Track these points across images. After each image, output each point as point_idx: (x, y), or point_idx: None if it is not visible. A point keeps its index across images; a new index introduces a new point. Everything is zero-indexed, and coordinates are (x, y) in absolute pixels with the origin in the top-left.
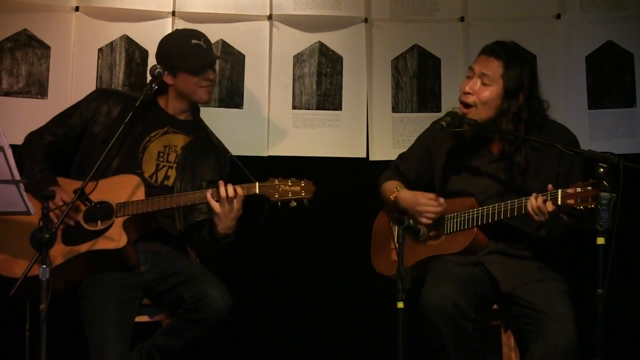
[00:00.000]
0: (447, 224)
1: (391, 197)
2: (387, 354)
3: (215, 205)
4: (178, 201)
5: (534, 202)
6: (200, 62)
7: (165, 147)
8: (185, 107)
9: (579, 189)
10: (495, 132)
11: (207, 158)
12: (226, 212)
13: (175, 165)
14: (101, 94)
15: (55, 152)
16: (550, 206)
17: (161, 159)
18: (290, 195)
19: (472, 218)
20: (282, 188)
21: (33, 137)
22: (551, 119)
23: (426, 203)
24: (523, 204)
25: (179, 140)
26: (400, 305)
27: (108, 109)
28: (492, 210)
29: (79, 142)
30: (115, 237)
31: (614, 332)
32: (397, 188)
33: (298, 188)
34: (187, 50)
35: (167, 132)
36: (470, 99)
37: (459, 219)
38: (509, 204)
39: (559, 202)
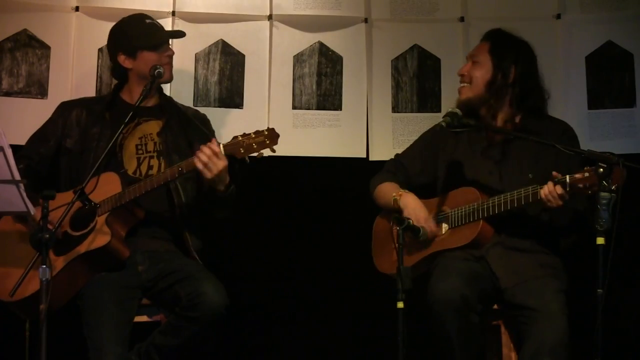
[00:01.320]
0: (452, 217)
1: (394, 194)
2: (387, 354)
3: (206, 172)
4: (152, 183)
5: (552, 187)
6: (159, 37)
7: (141, 139)
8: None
9: (586, 174)
10: (495, 131)
11: (187, 133)
12: (216, 172)
13: (155, 154)
14: (65, 108)
15: (32, 174)
16: (559, 189)
17: (140, 152)
18: (255, 146)
19: (478, 210)
20: (246, 142)
21: None
22: (549, 115)
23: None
24: (530, 192)
25: (153, 128)
26: (400, 305)
27: (76, 119)
28: (497, 201)
29: (57, 162)
30: (101, 235)
31: (614, 332)
32: (399, 192)
33: (262, 138)
34: (144, 29)
35: (138, 124)
36: (466, 79)
37: (464, 212)
38: (515, 194)
39: (567, 188)
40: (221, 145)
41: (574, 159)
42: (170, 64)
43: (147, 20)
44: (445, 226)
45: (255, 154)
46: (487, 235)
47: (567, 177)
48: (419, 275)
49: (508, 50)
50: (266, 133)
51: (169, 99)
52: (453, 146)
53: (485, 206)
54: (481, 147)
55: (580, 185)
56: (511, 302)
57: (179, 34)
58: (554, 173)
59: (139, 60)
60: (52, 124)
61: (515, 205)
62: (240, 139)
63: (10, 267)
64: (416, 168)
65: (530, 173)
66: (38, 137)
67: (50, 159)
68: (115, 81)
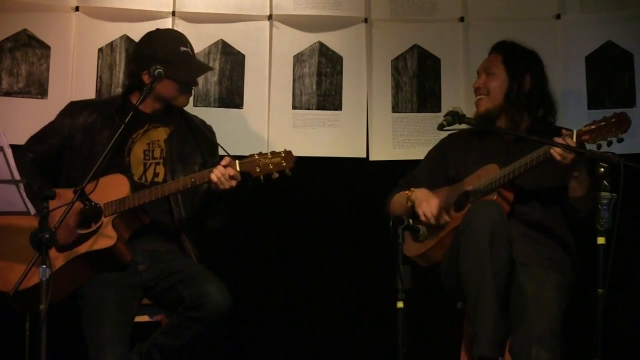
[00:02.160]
0: (473, 194)
1: (406, 193)
2: (387, 354)
3: (218, 186)
4: (162, 191)
5: (556, 148)
6: (192, 74)
7: (149, 144)
8: (162, 107)
9: (593, 127)
10: (494, 131)
11: (194, 142)
12: (228, 188)
13: (162, 161)
14: (73, 109)
15: (39, 166)
16: (570, 141)
17: (147, 158)
18: (271, 167)
19: (495, 181)
20: (263, 162)
21: (15, 157)
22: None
23: (434, 205)
24: (542, 152)
25: (160, 134)
26: (400, 305)
27: (84, 120)
28: (512, 167)
29: (61, 161)
30: (106, 236)
31: (614, 332)
32: (410, 189)
33: (279, 159)
34: (177, 59)
35: (148, 130)
36: (482, 91)
37: (483, 187)
38: (528, 156)
39: (574, 139)
40: (237, 162)
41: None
42: (191, 92)
43: (182, 48)
44: (469, 206)
45: (270, 175)
46: (507, 199)
47: (574, 130)
48: (434, 264)
49: (521, 60)
50: (283, 155)
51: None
52: (463, 151)
53: (500, 175)
54: (493, 148)
55: (587, 137)
56: (517, 289)
57: (208, 69)
58: (563, 130)
59: (162, 85)
60: (60, 122)
61: (528, 167)
62: (257, 157)
63: (14, 258)
64: (426, 176)
65: (543, 172)
66: (44, 134)
67: (54, 157)
68: (113, 80)
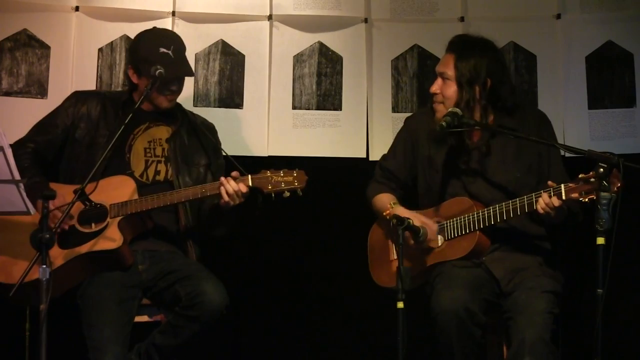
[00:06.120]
0: (447, 229)
1: (385, 213)
2: (387, 354)
3: (227, 201)
4: (172, 198)
5: (547, 199)
6: (167, 74)
7: (150, 142)
8: (155, 107)
9: (581, 182)
10: (495, 131)
11: (196, 142)
12: (238, 203)
13: (164, 160)
14: (77, 98)
15: (40, 159)
16: (556, 201)
17: (148, 155)
18: (283, 185)
19: (473, 221)
20: (275, 179)
21: (16, 148)
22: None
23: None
24: (525, 202)
25: (162, 133)
26: (400, 305)
27: (87, 111)
28: (493, 211)
29: (62, 150)
30: (112, 238)
31: (614, 332)
32: (391, 204)
33: (291, 178)
34: (154, 58)
35: (149, 127)
36: (439, 98)
37: (459, 223)
38: (511, 204)
39: (563, 197)
40: (249, 177)
41: (555, 149)
42: (171, 96)
43: (162, 49)
44: (440, 238)
45: (281, 193)
46: (485, 246)
47: (562, 186)
48: (417, 287)
49: (474, 64)
50: (295, 174)
51: (179, 106)
52: (428, 152)
53: (481, 216)
54: (460, 147)
55: (576, 194)
56: (509, 300)
57: (185, 73)
58: (549, 182)
59: (142, 82)
60: (63, 111)
61: (512, 215)
62: (269, 174)
63: (16, 251)
64: (405, 174)
65: (517, 172)
66: (47, 123)
67: (58, 146)
68: (113, 80)
